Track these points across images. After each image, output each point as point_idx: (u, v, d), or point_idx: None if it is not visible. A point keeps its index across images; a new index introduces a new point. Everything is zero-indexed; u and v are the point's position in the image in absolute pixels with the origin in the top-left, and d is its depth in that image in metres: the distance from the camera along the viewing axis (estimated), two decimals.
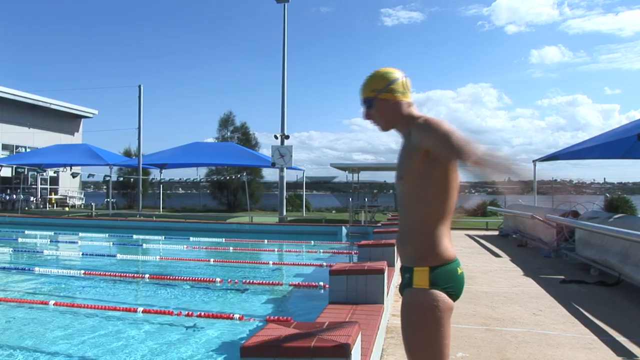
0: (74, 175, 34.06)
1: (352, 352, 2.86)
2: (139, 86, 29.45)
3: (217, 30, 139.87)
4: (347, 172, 25.88)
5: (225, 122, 37.43)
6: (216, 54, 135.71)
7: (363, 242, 8.97)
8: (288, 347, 2.78)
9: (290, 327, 3.16)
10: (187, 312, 6.93)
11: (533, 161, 19.94)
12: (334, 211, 33.10)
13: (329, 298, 5.34)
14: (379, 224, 17.42)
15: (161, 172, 34.81)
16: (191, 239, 16.39)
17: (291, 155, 23.11)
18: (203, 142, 34.54)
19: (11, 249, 14.58)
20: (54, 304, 7.57)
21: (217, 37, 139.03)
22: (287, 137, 24.29)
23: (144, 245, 15.36)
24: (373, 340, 4.08)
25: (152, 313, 7.04)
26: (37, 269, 10.99)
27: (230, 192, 36.71)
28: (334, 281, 5.36)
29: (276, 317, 6.49)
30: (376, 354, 4.51)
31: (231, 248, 14.45)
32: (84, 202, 38.96)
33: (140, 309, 7.07)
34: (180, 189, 50.36)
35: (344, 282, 5.32)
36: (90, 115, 43.61)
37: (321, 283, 8.45)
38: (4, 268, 11.19)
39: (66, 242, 16.87)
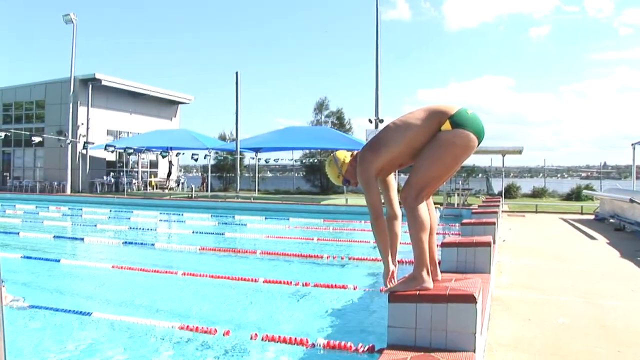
0: (163, 155, 35.36)
1: (478, 302, 3.39)
2: (236, 73, 30.32)
3: (312, 15, 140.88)
4: None
5: (321, 106, 38.19)
6: (312, 38, 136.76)
7: (465, 220, 9.44)
8: (427, 294, 3.38)
9: None
10: (304, 282, 7.55)
11: (632, 144, 19.66)
12: None
13: (441, 268, 5.85)
14: (473, 206, 17.73)
15: (257, 156, 35.84)
16: (290, 219, 17.14)
17: None
18: (297, 126, 35.33)
19: (127, 227, 15.73)
20: (182, 274, 8.39)
21: (313, 22, 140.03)
22: (382, 120, 24.70)
23: (248, 225, 16.17)
24: (486, 301, 4.59)
25: (272, 283, 7.72)
26: (156, 244, 11.96)
27: (324, 175, 37.41)
28: (445, 253, 5.88)
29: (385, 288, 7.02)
30: (487, 314, 5.03)
31: (331, 228, 15.10)
32: (182, 184, 40.51)
33: (261, 278, 7.76)
34: (268, 172, 51.49)
35: (455, 254, 5.83)
36: (187, 101, 45.05)
37: None
38: (127, 243, 12.19)
39: (175, 221, 17.95)
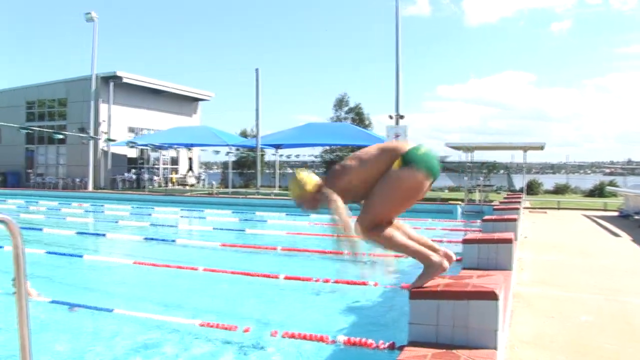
0: (191, 154, 35.52)
1: (500, 298, 3.36)
2: (256, 70, 30.38)
3: (332, 11, 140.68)
4: (461, 151, 26.08)
5: (340, 102, 38.18)
6: (331, 34, 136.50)
7: (486, 217, 9.37)
8: (448, 291, 3.36)
9: (444, 279, 3.72)
10: (324, 279, 7.54)
11: None
12: (446, 190, 33.22)
13: (462, 265, 5.83)
14: (494, 203, 17.64)
15: (277, 152, 35.88)
16: (311, 215, 17.14)
17: (406, 135, 23.48)
18: (318, 122, 35.34)
19: (149, 223, 15.82)
20: (203, 270, 8.41)
21: (332, 18, 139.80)
22: (402, 116, 24.61)
23: (268, 221, 16.20)
24: (507, 298, 4.56)
25: (292, 279, 7.72)
26: (177, 240, 12.02)
27: None
28: (467, 249, 5.85)
29: (407, 284, 7.00)
30: (508, 311, 5.00)
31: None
32: (203, 181, 40.66)
33: (282, 275, 7.76)
34: (289, 168, 51.52)
35: (476, 251, 5.80)
36: (208, 98, 45.18)
37: None
38: (148, 239, 12.27)
39: (196, 217, 18.03)
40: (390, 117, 24.77)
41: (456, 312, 3.34)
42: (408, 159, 3.89)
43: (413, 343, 3.41)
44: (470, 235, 6.38)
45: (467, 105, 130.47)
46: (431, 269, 3.76)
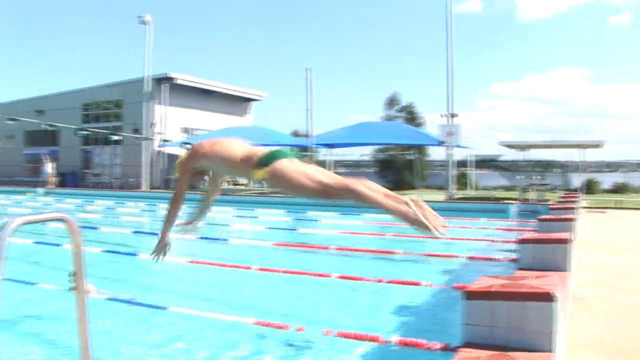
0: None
1: (556, 300, 3.29)
2: (307, 69, 30.46)
3: (382, 9, 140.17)
4: (515, 150, 25.70)
5: (392, 101, 37.98)
6: (382, 32, 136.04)
7: (542, 216, 9.19)
8: (503, 292, 3.29)
9: (499, 279, 3.65)
10: (377, 278, 7.50)
11: None
12: (500, 189, 32.77)
13: (517, 265, 5.72)
14: (550, 202, 17.30)
15: (330, 152, 35.91)
16: (364, 215, 17.08)
17: (459, 134, 23.25)
18: (370, 121, 35.24)
19: (202, 222, 15.94)
20: (256, 269, 8.45)
21: (383, 16, 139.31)
22: (455, 115, 24.40)
23: (321, 220, 16.20)
24: (565, 300, 4.45)
25: (345, 279, 7.69)
26: (231, 240, 12.12)
27: (397, 170, 37.20)
28: (522, 250, 5.73)
29: (460, 285, 6.91)
30: (566, 313, 4.88)
31: (402, 224, 14.94)
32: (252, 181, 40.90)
33: (334, 274, 7.74)
34: (342, 168, 51.50)
35: (532, 251, 5.68)
36: (260, 98, 45.52)
37: (497, 256, 8.73)
38: (202, 238, 12.38)
39: (249, 216, 18.16)
40: (442, 115, 24.56)
41: (511, 313, 3.28)
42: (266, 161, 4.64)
43: (468, 344, 3.36)
44: (525, 235, 6.27)
45: (521, 102, 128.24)
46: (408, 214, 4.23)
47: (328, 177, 4.56)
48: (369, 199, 4.34)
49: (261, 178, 4.68)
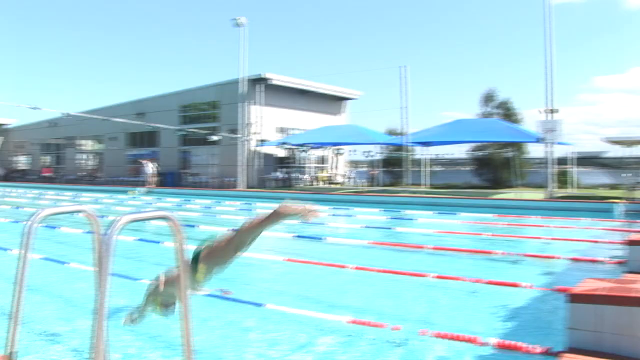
0: (339, 152, 35.93)
1: None
2: (401, 68, 30.24)
3: (477, 5, 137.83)
4: (621, 146, 24.66)
5: (488, 98, 37.17)
6: (477, 29, 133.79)
7: None
8: (611, 296, 3.11)
9: (605, 282, 3.47)
10: (474, 279, 7.34)
11: None
12: (603, 188, 31.52)
13: (624, 268, 5.45)
14: None
15: (426, 150, 35.57)
16: (459, 214, 16.82)
17: (560, 130, 22.52)
18: (466, 119, 34.63)
19: (298, 221, 16.08)
20: (352, 268, 8.43)
21: (478, 12, 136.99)
22: (555, 111, 23.63)
23: (417, 220, 16.05)
24: None
25: (441, 278, 7.57)
26: (327, 238, 12.16)
27: (494, 168, 36.41)
28: (632, 252, 5.45)
29: (563, 287, 6.66)
30: None
31: (500, 223, 14.64)
32: (352, 179, 40.96)
33: (431, 274, 7.63)
34: (438, 166, 50.88)
35: None
36: (355, 97, 45.53)
37: (602, 258, 8.37)
38: (298, 236, 12.49)
39: (344, 215, 18.20)
40: (541, 111, 23.84)
41: (620, 318, 3.11)
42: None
43: (572, 349, 3.23)
44: (633, 236, 5.95)
45: (626, 96, 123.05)
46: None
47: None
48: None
49: (203, 273, 4.89)
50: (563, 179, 32.64)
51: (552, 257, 9.48)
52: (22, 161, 59.29)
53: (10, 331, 2.88)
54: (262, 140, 36.30)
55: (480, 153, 37.56)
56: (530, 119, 65.16)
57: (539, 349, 4.47)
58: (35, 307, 6.36)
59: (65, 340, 5.53)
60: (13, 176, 54.57)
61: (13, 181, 49.66)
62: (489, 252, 9.84)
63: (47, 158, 55.27)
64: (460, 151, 38.55)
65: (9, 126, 58.87)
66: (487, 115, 36.45)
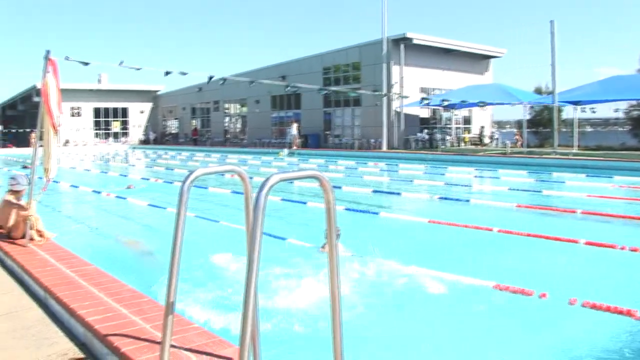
0: (481, 105, 34.85)
1: None
2: (551, 22, 28.75)
3: None
4: None
5: None
6: None
7: None
8: None
9: None
10: (630, 247, 6.93)
11: None
12: None
13: None
14: None
15: (576, 109, 33.92)
16: (614, 177, 15.91)
17: None
18: (622, 75, 32.57)
19: (442, 183, 15.90)
20: (497, 231, 8.21)
21: None
22: None
23: (566, 182, 15.36)
24: None
25: (593, 245, 7.21)
26: (471, 200, 11.92)
27: None
28: None
29: None
30: None
31: None
32: (497, 140, 39.88)
33: (582, 240, 7.29)
34: (589, 126, 48.40)
35: None
36: (499, 55, 44.03)
37: None
38: (442, 198, 12.33)
39: (490, 177, 17.77)
40: None
41: None
42: None
43: None
44: None
45: None
46: None
47: None
48: None
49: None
50: None
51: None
52: (172, 125, 62.26)
53: (172, 282, 3.00)
54: (404, 97, 35.94)
55: (638, 112, 35.25)
56: None
57: None
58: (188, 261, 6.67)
59: (218, 291, 5.75)
60: (165, 140, 57.60)
61: (165, 144, 52.43)
62: None
63: (195, 122, 57.56)
64: (616, 109, 36.22)
65: (159, 92, 61.81)
66: None
